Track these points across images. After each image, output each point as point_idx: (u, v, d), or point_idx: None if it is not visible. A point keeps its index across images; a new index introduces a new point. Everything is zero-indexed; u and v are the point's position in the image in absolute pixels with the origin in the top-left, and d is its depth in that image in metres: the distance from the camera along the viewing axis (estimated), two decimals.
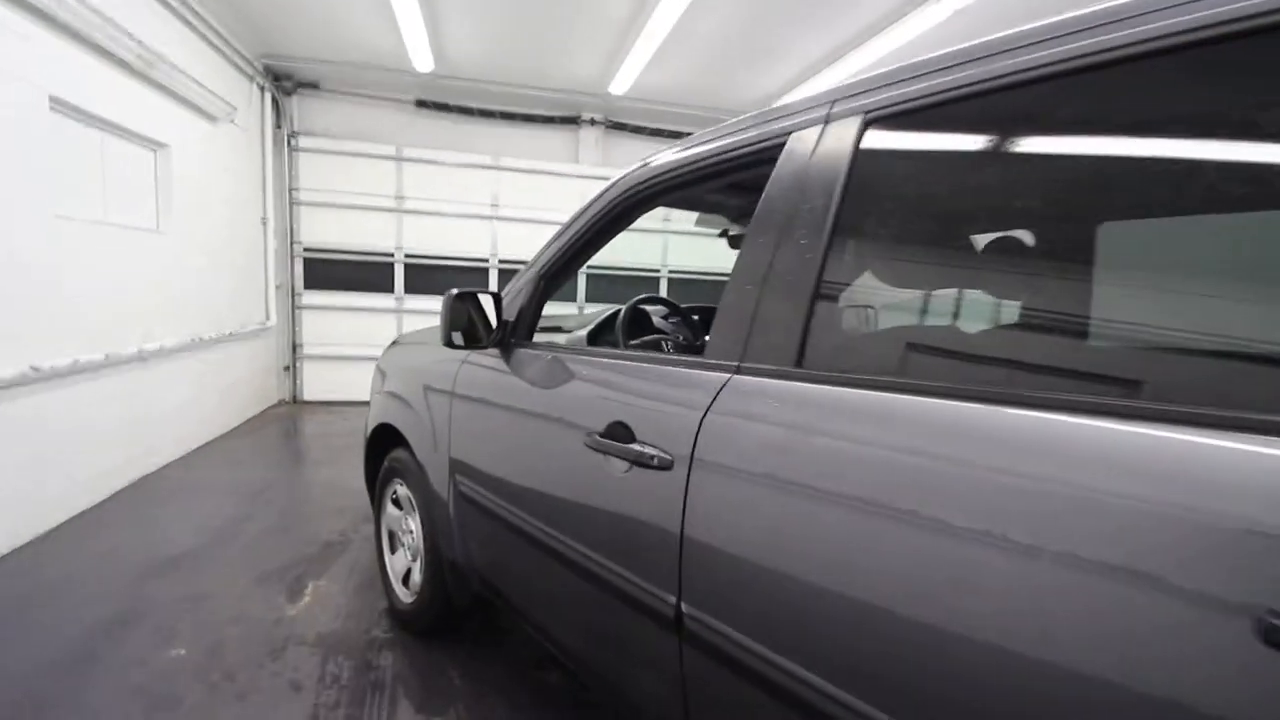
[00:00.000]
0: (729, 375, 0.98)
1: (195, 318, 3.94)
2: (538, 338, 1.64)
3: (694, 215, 2.03)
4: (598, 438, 1.14)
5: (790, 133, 1.02)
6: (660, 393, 1.09)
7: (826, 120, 0.96)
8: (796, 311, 0.92)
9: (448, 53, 4.74)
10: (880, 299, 1.06)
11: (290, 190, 5.36)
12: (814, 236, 0.92)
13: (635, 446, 1.06)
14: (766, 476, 0.85)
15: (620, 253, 6.03)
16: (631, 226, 1.47)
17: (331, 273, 5.51)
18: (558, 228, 1.56)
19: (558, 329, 1.98)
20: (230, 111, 4.27)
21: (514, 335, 1.57)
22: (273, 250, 5.12)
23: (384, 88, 5.43)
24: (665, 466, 1.00)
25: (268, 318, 5.10)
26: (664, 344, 1.86)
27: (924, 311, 1.06)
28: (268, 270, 5.09)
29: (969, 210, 0.89)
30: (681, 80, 5.09)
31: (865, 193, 0.90)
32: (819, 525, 0.77)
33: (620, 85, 5.12)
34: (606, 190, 1.43)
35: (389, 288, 5.60)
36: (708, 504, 0.93)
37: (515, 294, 1.62)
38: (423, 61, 4.75)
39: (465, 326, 1.50)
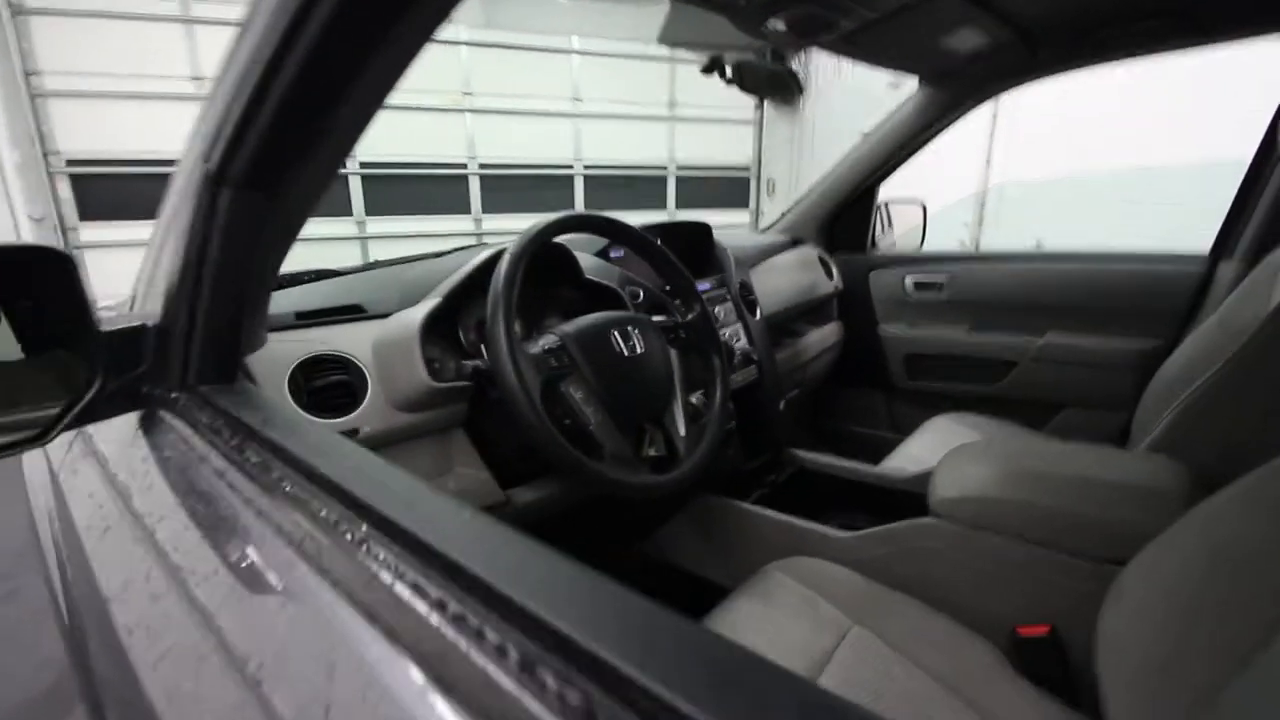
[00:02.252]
0: None
1: None
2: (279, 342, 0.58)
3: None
4: None
5: None
6: None
7: None
8: None
9: None
10: None
11: (26, 75, 3.66)
12: None
13: None
14: None
15: (513, 147, 4.77)
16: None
17: (122, 194, 3.94)
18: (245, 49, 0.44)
19: (353, 310, 0.86)
20: None
21: (171, 378, 0.51)
22: (13, 166, 3.53)
23: None
24: None
25: None
26: (620, 336, 0.81)
27: None
28: (10, 198, 3.52)
29: None
30: None
31: None
32: None
33: None
34: None
35: None
36: None
37: (157, 247, 0.53)
38: None
39: None
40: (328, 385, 0.76)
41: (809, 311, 1.69)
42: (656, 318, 0.88)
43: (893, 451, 1.38)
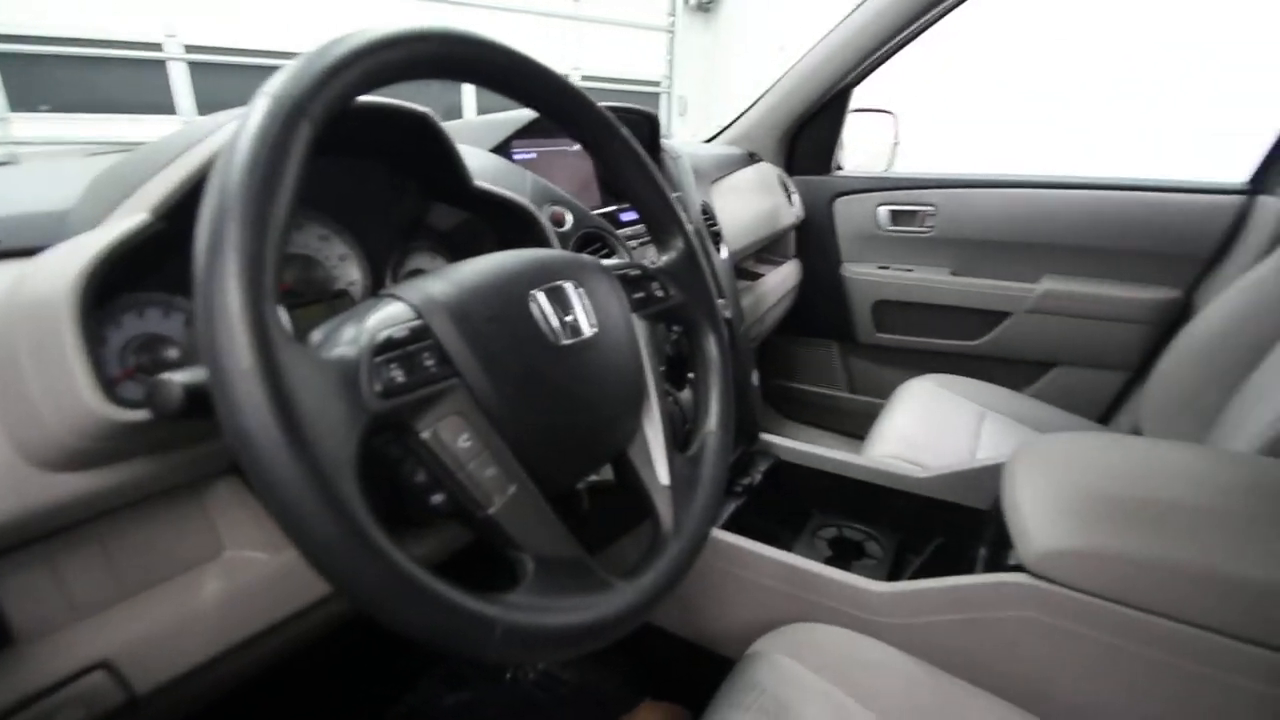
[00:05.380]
0: None
1: None
2: None
3: None
4: None
5: None
6: None
7: None
8: None
9: None
10: None
11: None
12: None
13: None
14: None
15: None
16: None
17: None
18: None
19: None
20: None
21: None
22: None
23: None
24: None
25: None
26: (549, 301, 0.40)
27: None
28: None
29: None
30: None
31: None
32: None
33: None
34: None
35: None
36: None
37: None
38: None
39: None
40: None
41: (767, 248, 1.34)
42: (607, 261, 0.49)
43: (872, 429, 1.09)
